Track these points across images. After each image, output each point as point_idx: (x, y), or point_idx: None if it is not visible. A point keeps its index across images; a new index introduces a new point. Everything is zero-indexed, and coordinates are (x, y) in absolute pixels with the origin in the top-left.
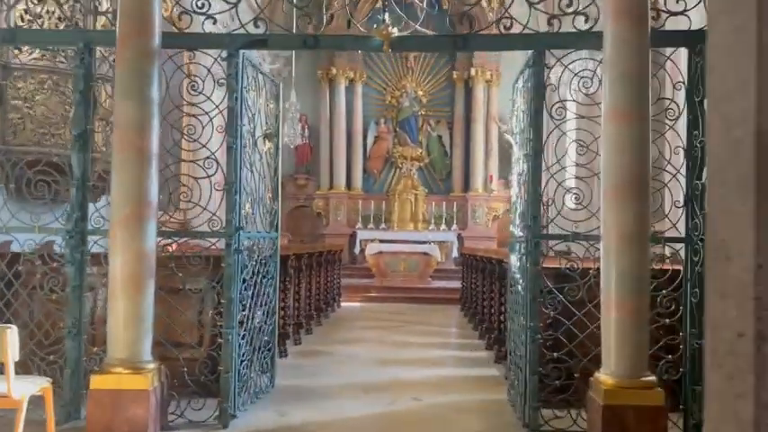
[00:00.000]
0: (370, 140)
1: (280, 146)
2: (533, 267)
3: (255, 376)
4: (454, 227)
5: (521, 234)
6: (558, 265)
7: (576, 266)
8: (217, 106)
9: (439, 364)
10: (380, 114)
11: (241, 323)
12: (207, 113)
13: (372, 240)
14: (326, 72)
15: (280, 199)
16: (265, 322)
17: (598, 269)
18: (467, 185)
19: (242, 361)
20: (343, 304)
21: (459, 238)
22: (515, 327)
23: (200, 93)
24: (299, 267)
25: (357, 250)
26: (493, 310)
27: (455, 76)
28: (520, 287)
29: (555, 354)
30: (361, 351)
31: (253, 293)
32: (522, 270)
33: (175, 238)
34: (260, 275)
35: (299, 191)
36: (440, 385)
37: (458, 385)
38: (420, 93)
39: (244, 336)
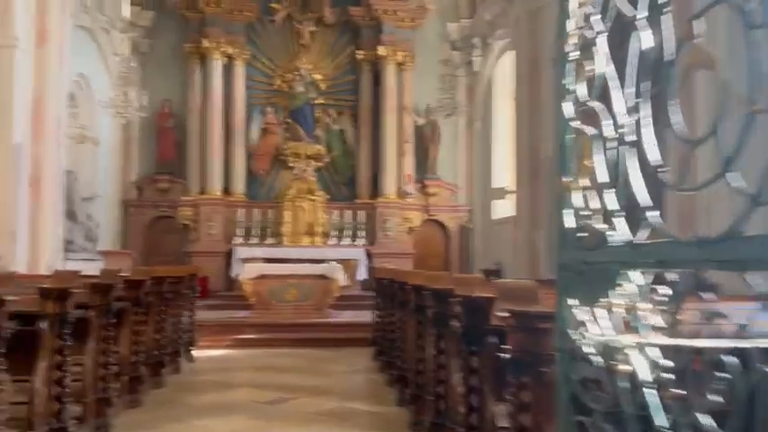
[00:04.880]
0: (254, 134)
1: None
2: None
3: None
4: (361, 241)
5: None
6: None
7: None
8: None
9: None
10: (267, 102)
11: None
12: None
13: (253, 259)
14: (197, 46)
15: None
16: None
17: None
18: (375, 190)
19: None
20: (200, 354)
21: (367, 254)
22: None
23: None
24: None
25: (234, 272)
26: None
27: (360, 56)
28: None
29: None
30: None
31: None
32: None
33: None
34: None
35: (160, 196)
36: None
37: None
38: (318, 77)
39: None
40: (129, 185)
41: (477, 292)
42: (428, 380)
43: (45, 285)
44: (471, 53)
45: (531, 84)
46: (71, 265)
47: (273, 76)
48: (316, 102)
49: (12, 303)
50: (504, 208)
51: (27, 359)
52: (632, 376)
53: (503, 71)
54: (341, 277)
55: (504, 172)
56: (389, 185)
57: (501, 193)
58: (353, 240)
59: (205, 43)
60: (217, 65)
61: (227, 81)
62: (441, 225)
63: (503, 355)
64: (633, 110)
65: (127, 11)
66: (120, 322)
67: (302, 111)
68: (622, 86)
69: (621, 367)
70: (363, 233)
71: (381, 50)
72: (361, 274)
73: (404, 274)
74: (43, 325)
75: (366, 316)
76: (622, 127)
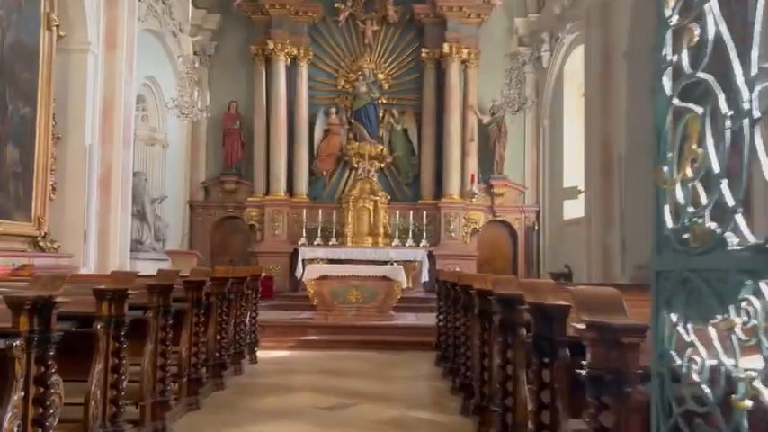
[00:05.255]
0: (318, 135)
1: None
2: None
3: None
4: (423, 242)
5: None
6: None
7: None
8: None
9: None
10: (331, 102)
11: None
12: None
13: (315, 260)
14: (262, 48)
15: None
16: None
17: None
18: (439, 191)
19: None
20: (264, 354)
21: (430, 256)
22: None
23: None
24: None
25: (299, 273)
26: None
27: (424, 54)
28: None
29: None
30: None
31: None
32: None
33: None
34: None
35: (226, 197)
36: None
37: None
38: (381, 76)
39: None
40: (197, 186)
41: (549, 300)
42: (494, 390)
43: (101, 286)
44: (540, 48)
45: (603, 78)
46: (140, 265)
47: (337, 77)
48: (379, 102)
49: (65, 305)
50: (573, 208)
51: (84, 361)
52: (756, 413)
53: (573, 66)
54: (403, 279)
55: (574, 171)
56: (453, 186)
57: (573, 193)
58: (416, 242)
59: (270, 45)
60: (281, 66)
61: (291, 82)
62: (507, 226)
63: (579, 370)
64: (760, 79)
65: (193, 14)
66: (179, 323)
67: (365, 111)
68: (741, 52)
69: (742, 402)
70: (426, 234)
71: (446, 48)
72: (424, 275)
73: (468, 276)
74: (98, 326)
75: (429, 319)
76: (745, 101)
